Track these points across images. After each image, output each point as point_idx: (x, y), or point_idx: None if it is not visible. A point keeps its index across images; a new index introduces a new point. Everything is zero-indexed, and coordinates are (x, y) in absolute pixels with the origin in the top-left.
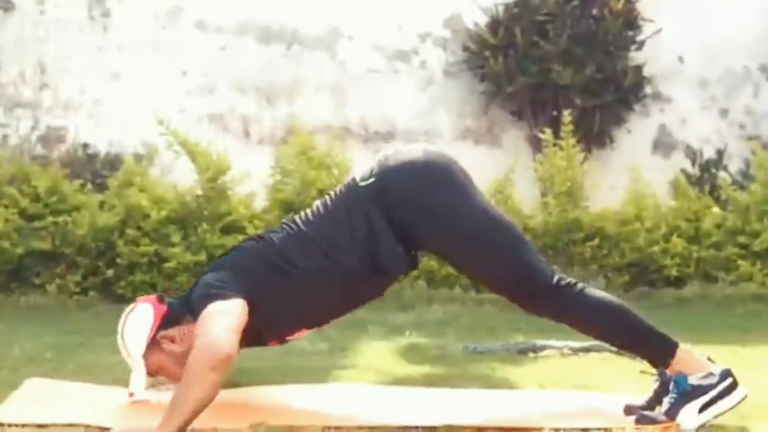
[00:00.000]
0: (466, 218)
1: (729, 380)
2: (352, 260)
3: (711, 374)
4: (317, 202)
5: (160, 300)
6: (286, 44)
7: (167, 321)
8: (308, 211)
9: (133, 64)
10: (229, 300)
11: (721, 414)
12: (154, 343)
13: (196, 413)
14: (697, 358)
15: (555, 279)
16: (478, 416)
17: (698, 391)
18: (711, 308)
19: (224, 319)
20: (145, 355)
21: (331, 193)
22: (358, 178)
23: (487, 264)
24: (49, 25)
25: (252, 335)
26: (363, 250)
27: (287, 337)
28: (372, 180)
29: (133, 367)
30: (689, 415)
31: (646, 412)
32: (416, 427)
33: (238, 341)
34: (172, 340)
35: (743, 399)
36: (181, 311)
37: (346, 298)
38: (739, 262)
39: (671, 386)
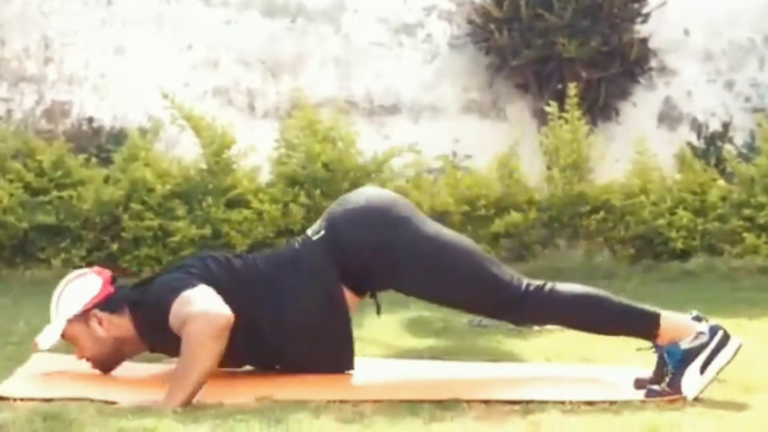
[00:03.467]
0: (420, 251)
1: (720, 334)
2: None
3: (700, 333)
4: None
5: (112, 281)
6: (290, 17)
7: (107, 303)
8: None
9: (137, 38)
10: (197, 287)
11: (722, 368)
12: (83, 315)
13: (200, 385)
14: (682, 322)
15: (523, 286)
16: (484, 390)
17: (692, 353)
18: (716, 281)
19: (204, 295)
20: (70, 320)
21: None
22: (309, 233)
23: (453, 290)
24: None
25: None
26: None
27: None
28: (322, 233)
29: (52, 323)
30: (691, 379)
31: (654, 387)
32: (422, 401)
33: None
34: (100, 323)
35: (739, 348)
36: (124, 302)
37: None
38: (745, 234)
39: (666, 358)
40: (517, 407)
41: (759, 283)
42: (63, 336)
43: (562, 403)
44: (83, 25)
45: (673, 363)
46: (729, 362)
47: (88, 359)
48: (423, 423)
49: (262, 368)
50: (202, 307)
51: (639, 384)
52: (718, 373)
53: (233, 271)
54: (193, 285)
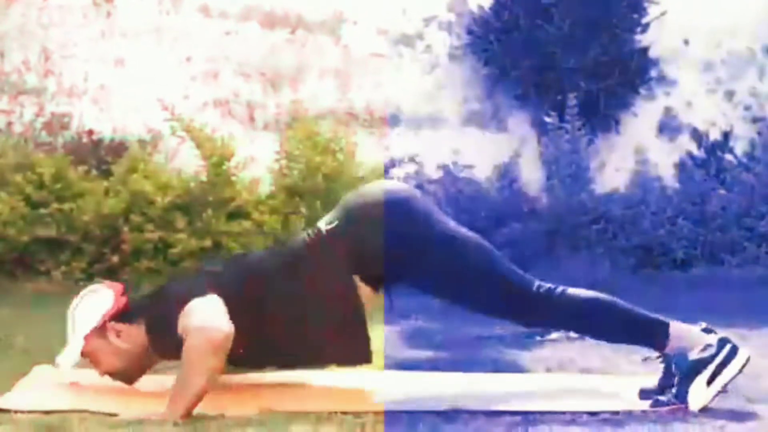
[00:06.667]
0: (437, 244)
1: (728, 347)
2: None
3: (709, 345)
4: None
5: (123, 292)
6: (290, 29)
7: (122, 315)
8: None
9: (137, 50)
10: (205, 297)
11: (730, 381)
12: (101, 329)
13: (199, 398)
14: (691, 333)
15: (535, 288)
16: (485, 400)
17: (700, 365)
18: (717, 291)
19: (209, 304)
20: (87, 337)
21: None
22: (321, 225)
23: (467, 288)
24: (53, 11)
25: None
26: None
27: None
28: (336, 223)
29: (70, 342)
30: (698, 391)
31: (660, 397)
32: (423, 412)
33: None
34: (118, 335)
35: (747, 362)
36: (137, 312)
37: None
38: (746, 244)
39: (673, 368)
40: (518, 418)
41: (760, 293)
42: (83, 353)
43: (564, 413)
44: (83, 38)
45: (680, 373)
46: (736, 375)
47: (110, 374)
48: None
49: (281, 366)
50: (201, 322)
51: (644, 395)
52: (725, 386)
53: (246, 268)
54: (202, 293)
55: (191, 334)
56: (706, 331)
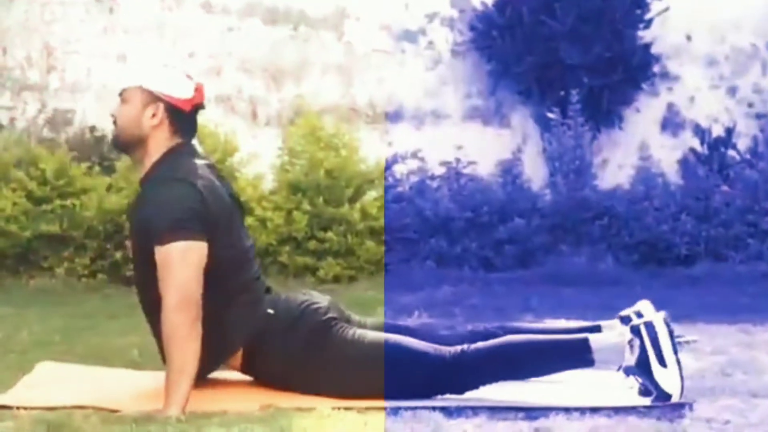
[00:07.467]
0: (348, 360)
1: (642, 326)
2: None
3: (631, 341)
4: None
5: (195, 107)
6: (292, 25)
7: (177, 113)
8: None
9: (139, 47)
10: (193, 241)
11: (676, 346)
12: (154, 97)
13: (194, 373)
14: (613, 340)
15: (447, 356)
16: (487, 396)
17: (643, 361)
18: (721, 287)
19: (191, 264)
20: (143, 88)
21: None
22: (269, 301)
23: (387, 383)
24: (56, 7)
25: None
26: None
27: None
28: (273, 312)
29: (133, 71)
30: (663, 378)
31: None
32: (426, 408)
33: (201, 280)
34: (154, 115)
35: (665, 319)
36: (181, 133)
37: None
38: (749, 240)
39: (633, 379)
40: (521, 413)
41: (763, 288)
42: (125, 88)
43: (567, 409)
44: (85, 33)
45: (640, 379)
46: (673, 337)
47: (116, 123)
48: (429, 429)
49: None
50: (178, 297)
51: (642, 392)
52: (676, 352)
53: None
54: (188, 236)
55: (168, 307)
56: (624, 320)
